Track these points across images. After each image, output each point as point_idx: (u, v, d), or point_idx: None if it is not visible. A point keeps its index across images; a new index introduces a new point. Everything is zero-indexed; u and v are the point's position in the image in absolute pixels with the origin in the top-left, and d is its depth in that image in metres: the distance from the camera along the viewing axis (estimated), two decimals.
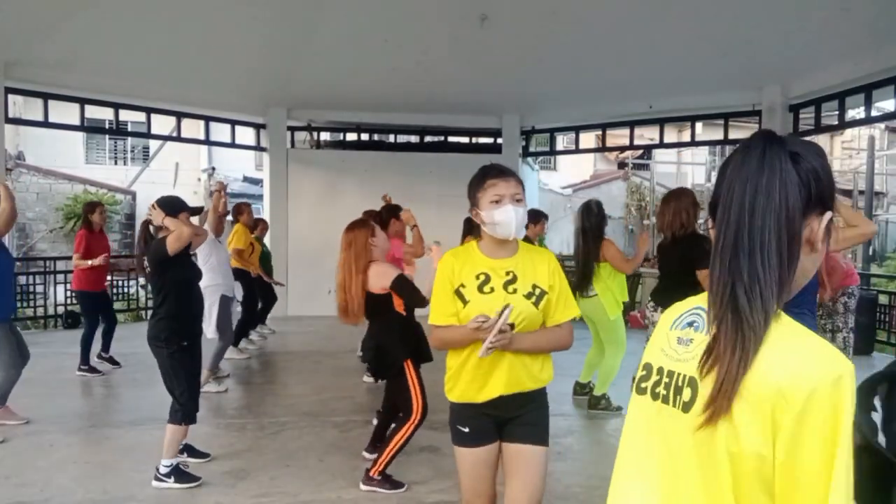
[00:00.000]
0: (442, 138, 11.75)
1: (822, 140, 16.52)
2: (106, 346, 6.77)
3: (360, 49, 7.52)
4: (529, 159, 12.20)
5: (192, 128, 11.61)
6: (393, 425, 3.85)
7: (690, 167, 20.21)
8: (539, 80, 8.78)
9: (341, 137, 12.34)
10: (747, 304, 0.97)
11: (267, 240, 8.86)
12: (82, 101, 9.06)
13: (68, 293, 9.19)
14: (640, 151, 18.48)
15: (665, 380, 1.08)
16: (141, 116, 10.01)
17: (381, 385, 4.61)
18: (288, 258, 10.33)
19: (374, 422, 4.44)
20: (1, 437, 4.61)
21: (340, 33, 7.12)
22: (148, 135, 10.79)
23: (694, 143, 12.68)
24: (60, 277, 9.71)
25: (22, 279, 9.68)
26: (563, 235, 16.60)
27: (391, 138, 11.81)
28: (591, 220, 5.26)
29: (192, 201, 4.83)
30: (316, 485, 3.87)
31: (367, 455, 4.17)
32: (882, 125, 19.22)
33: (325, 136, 12.22)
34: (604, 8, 6.30)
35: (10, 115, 9.02)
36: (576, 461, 4.38)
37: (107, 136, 18.63)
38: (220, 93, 9.76)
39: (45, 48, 7.59)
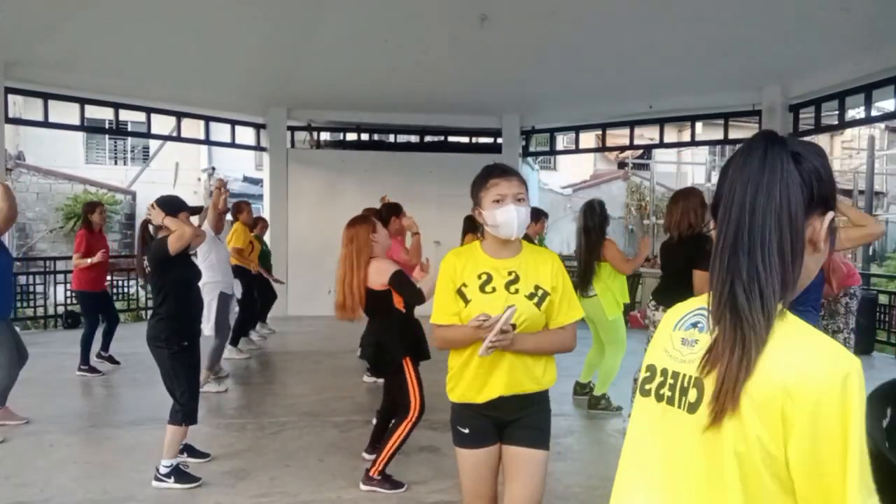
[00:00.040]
0: (442, 138, 11.75)
1: (822, 140, 16.51)
2: (105, 345, 6.77)
3: (360, 49, 7.52)
4: (529, 159, 12.20)
5: (192, 128, 11.60)
6: (393, 421, 3.85)
7: (690, 167, 20.23)
8: (539, 80, 8.78)
9: (341, 137, 12.34)
10: (746, 302, 0.97)
11: (267, 238, 8.85)
12: (82, 101, 9.06)
13: (68, 293, 9.19)
14: (640, 151, 18.48)
15: (670, 381, 1.07)
16: (141, 116, 10.01)
17: (381, 385, 4.61)
18: (288, 258, 10.33)
19: (374, 422, 4.44)
20: (1, 437, 4.61)
21: (340, 33, 7.12)
22: (148, 135, 10.78)
23: (694, 143, 12.69)
24: (60, 277, 9.70)
25: (22, 279, 9.68)
26: (563, 235, 16.60)
27: (391, 138, 11.81)
28: (595, 219, 5.26)
29: (192, 201, 4.83)
30: (316, 485, 3.87)
31: (366, 456, 4.17)
32: (882, 125, 19.22)
33: (325, 136, 12.22)
34: (604, 8, 6.30)
35: (10, 115, 9.02)
36: (576, 461, 4.38)
37: (107, 136, 18.62)
38: (220, 93, 9.76)
39: (45, 48, 7.59)
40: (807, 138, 9.16)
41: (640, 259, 5.44)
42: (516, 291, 2.21)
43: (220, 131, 11.15)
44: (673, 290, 4.07)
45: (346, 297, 3.64)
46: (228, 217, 7.02)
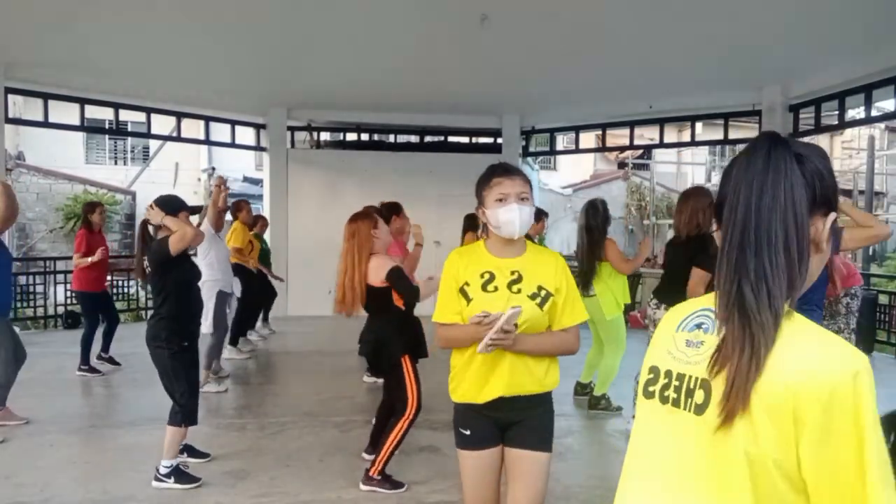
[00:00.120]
0: (442, 138, 11.76)
1: (822, 140, 16.52)
2: (106, 346, 6.76)
3: (360, 49, 7.51)
4: (529, 159, 12.21)
5: (192, 128, 11.61)
6: (392, 419, 3.85)
7: (690, 167, 20.25)
8: (539, 80, 8.77)
9: (341, 137, 12.34)
10: (754, 301, 0.97)
11: (267, 237, 8.84)
12: (82, 101, 9.07)
13: (68, 293, 9.19)
14: (640, 151, 18.48)
15: (675, 383, 1.07)
16: (141, 116, 10.01)
17: (381, 385, 4.60)
18: (288, 258, 10.33)
19: (374, 421, 4.44)
20: (1, 437, 4.61)
21: (340, 33, 7.11)
22: (148, 135, 10.79)
23: (694, 143, 12.71)
24: (60, 277, 9.71)
25: (22, 279, 9.68)
26: (562, 235, 16.61)
27: (391, 138, 11.81)
28: (597, 218, 5.27)
29: (191, 201, 4.83)
30: (316, 485, 3.87)
31: (366, 456, 4.17)
32: (882, 125, 19.23)
33: (325, 136, 12.22)
34: (604, 8, 6.29)
35: (10, 115, 9.03)
36: (576, 461, 4.38)
37: (107, 136, 18.62)
38: (220, 93, 9.76)
39: (46, 48, 7.59)
40: (807, 138, 9.18)
41: (639, 259, 5.44)
42: (519, 291, 2.20)
43: (220, 131, 11.15)
44: (674, 288, 4.07)
45: (346, 292, 3.64)
46: (228, 217, 7.02)
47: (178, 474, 3.81)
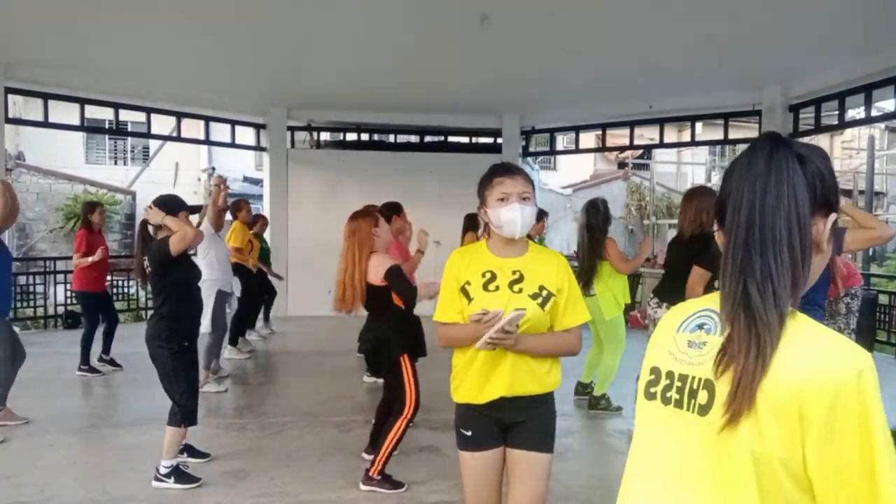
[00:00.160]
0: (442, 138, 11.76)
1: (822, 140, 16.53)
2: (106, 347, 6.73)
3: (360, 49, 7.51)
4: (529, 159, 12.20)
5: (192, 128, 11.61)
6: (390, 418, 3.85)
7: (690, 167, 20.24)
8: (539, 80, 8.77)
9: (341, 137, 12.34)
10: (760, 301, 0.98)
11: (267, 236, 8.83)
12: (82, 101, 9.07)
13: (68, 293, 9.19)
14: (640, 151, 18.48)
15: (677, 384, 1.07)
16: (141, 116, 10.01)
17: (381, 385, 4.60)
18: (288, 258, 10.33)
19: (373, 421, 4.44)
20: (1, 437, 4.60)
21: (340, 33, 7.11)
22: (148, 135, 10.79)
23: (694, 143, 12.70)
24: (60, 277, 9.70)
25: (22, 279, 9.68)
26: (563, 235, 16.60)
27: (391, 138, 11.81)
28: (598, 217, 5.27)
29: (191, 201, 4.82)
30: (316, 485, 3.87)
31: (366, 456, 4.17)
32: (882, 125, 19.24)
33: (325, 136, 12.22)
34: (604, 8, 6.29)
35: (10, 115, 9.03)
36: (576, 461, 4.38)
37: (107, 136, 18.62)
38: (220, 93, 9.76)
39: (46, 48, 7.58)
40: (807, 138, 9.18)
41: (639, 259, 5.44)
42: (520, 291, 2.19)
43: (220, 131, 11.15)
44: (675, 287, 4.07)
45: (346, 290, 3.65)
46: (228, 216, 7.01)
47: (178, 474, 3.81)
